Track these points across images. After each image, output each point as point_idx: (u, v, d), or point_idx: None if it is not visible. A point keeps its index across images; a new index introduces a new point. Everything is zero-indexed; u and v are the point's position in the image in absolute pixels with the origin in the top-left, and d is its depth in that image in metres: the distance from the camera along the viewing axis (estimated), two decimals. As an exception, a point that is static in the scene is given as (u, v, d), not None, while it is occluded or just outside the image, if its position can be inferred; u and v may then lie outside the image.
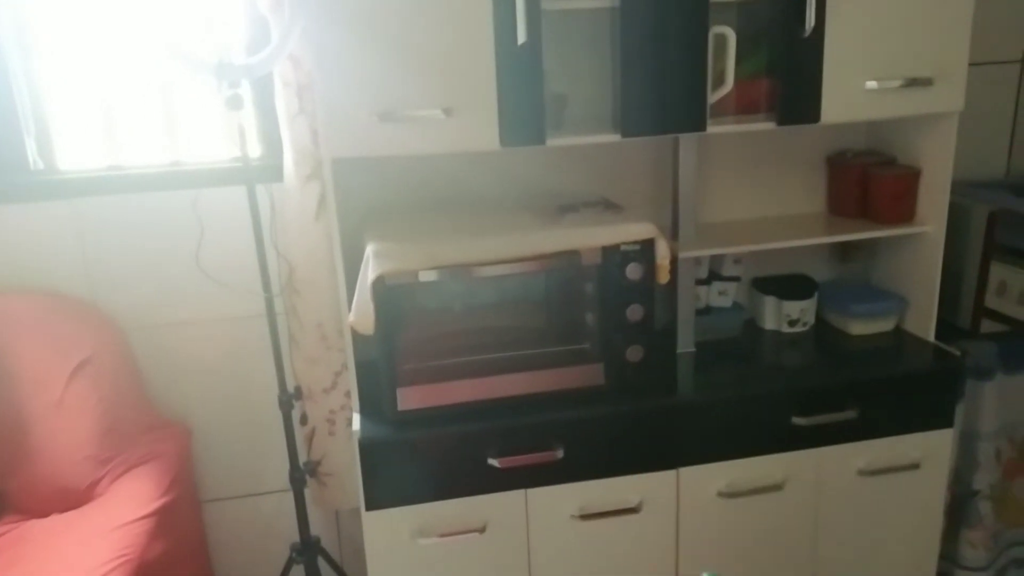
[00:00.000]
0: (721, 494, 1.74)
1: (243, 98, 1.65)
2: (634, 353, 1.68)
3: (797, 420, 1.73)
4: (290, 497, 1.96)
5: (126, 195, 1.90)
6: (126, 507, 1.70)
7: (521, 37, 1.50)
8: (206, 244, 1.90)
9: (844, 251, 2.13)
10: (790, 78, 1.66)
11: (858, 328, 1.98)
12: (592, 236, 1.61)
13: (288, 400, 1.89)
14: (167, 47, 1.56)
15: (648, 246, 1.63)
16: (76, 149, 1.93)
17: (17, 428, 1.73)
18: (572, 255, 1.61)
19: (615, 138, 1.64)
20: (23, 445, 1.73)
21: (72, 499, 1.75)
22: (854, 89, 1.68)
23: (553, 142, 1.61)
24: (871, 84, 1.68)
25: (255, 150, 1.98)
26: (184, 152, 1.97)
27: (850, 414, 1.74)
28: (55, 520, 1.71)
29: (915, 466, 1.81)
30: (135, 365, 1.98)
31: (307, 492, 1.99)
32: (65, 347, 1.80)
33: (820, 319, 2.06)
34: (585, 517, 1.69)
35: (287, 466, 1.93)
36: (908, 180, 1.90)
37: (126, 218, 1.91)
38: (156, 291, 1.96)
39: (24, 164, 1.88)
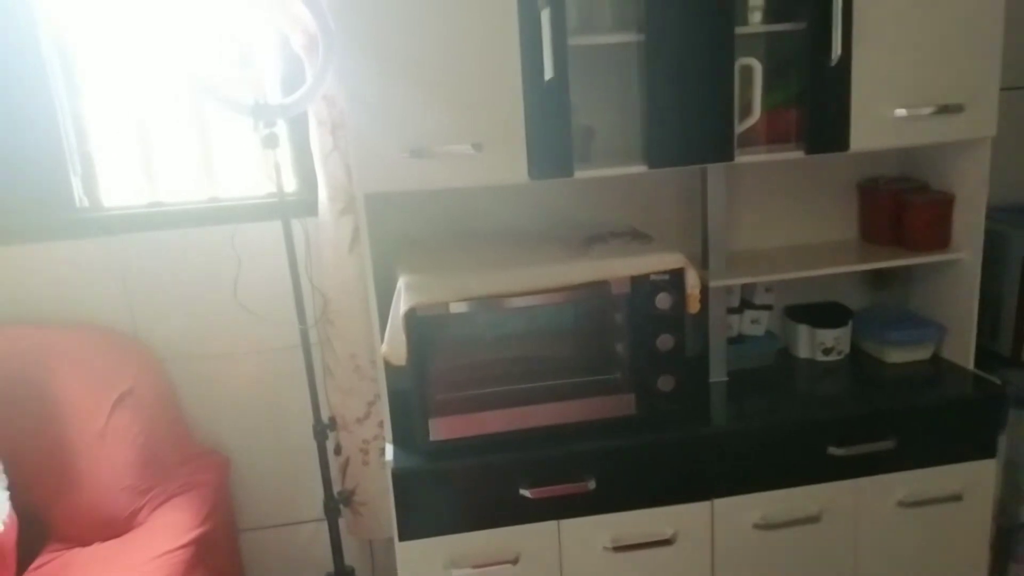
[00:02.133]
0: (756, 526, 1.72)
1: (279, 136, 1.70)
2: (665, 383, 1.68)
3: (833, 450, 1.70)
4: (325, 527, 1.98)
5: (166, 231, 1.96)
6: (165, 536, 1.73)
7: (548, 73, 1.53)
8: (243, 278, 1.95)
9: (878, 278, 2.10)
10: (818, 107, 1.66)
11: (894, 356, 1.95)
12: (621, 266, 1.62)
13: (323, 430, 1.91)
14: (206, 88, 1.61)
15: (678, 276, 1.63)
16: (119, 186, 2.00)
17: (61, 458, 1.77)
18: (602, 286, 1.62)
19: (643, 169, 1.65)
20: (66, 475, 1.77)
21: (113, 528, 1.78)
22: (883, 117, 1.67)
23: (581, 174, 1.63)
24: (900, 112, 1.67)
25: (290, 186, 2.03)
26: (222, 188, 2.03)
27: (888, 444, 1.71)
28: (97, 549, 1.74)
29: (957, 497, 1.77)
30: (174, 396, 2.03)
31: (341, 522, 2.00)
32: (107, 379, 1.85)
33: (855, 347, 2.03)
34: (619, 549, 1.68)
35: (322, 495, 1.95)
36: (942, 206, 1.88)
37: (166, 253, 1.97)
38: (195, 323, 2.01)
39: (70, 202, 1.95)
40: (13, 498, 1.64)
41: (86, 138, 1.97)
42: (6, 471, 1.69)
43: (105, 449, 1.80)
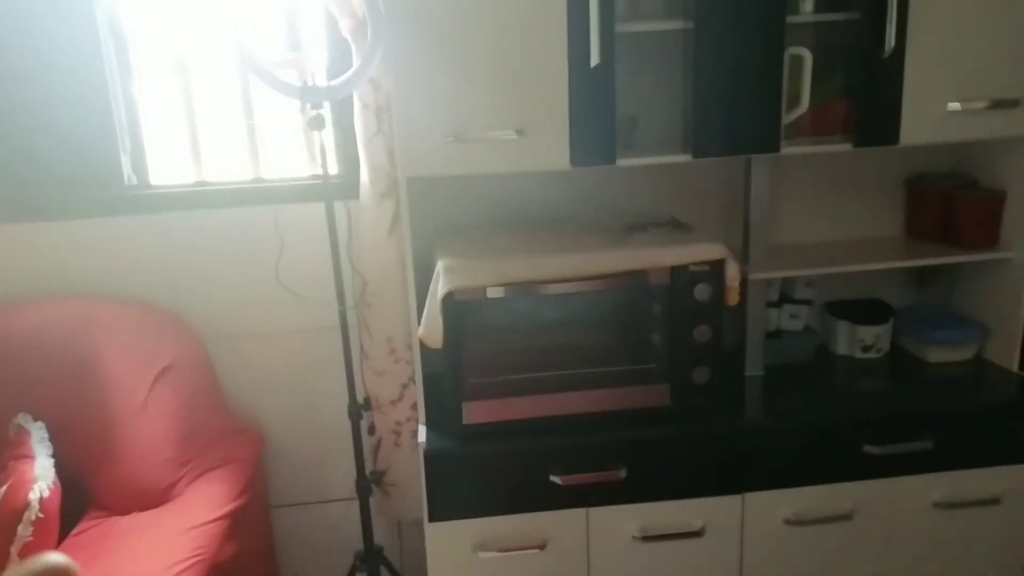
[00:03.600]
0: (788, 522, 1.70)
1: (325, 119, 1.71)
2: (701, 375, 1.67)
3: (869, 448, 1.68)
4: (355, 505, 2.00)
5: (211, 210, 2.00)
6: (201, 508, 1.76)
7: (594, 59, 1.52)
8: (285, 258, 1.97)
9: (922, 276, 2.07)
10: (868, 99, 1.64)
11: (936, 356, 1.92)
12: (661, 256, 1.61)
13: (357, 411, 1.93)
14: (256, 69, 1.63)
15: (718, 267, 1.62)
16: (166, 166, 2.04)
17: (103, 429, 1.82)
18: (640, 275, 1.61)
19: (686, 158, 1.64)
20: (108, 445, 1.81)
21: (151, 499, 1.82)
22: (936, 111, 1.64)
23: (623, 162, 1.62)
24: (954, 106, 1.64)
25: (334, 168, 2.05)
26: (266, 170, 2.06)
27: (926, 444, 1.68)
28: (135, 518, 1.78)
29: (996, 501, 1.73)
30: (213, 373, 2.06)
31: (372, 501, 2.03)
32: (150, 354, 1.89)
33: (896, 346, 2.00)
34: (647, 539, 1.68)
35: (354, 475, 1.97)
36: (992, 204, 1.84)
37: (210, 232, 2.01)
38: (236, 303, 2.05)
39: (119, 179, 1.99)
40: (56, 466, 1.68)
41: (136, 117, 2.01)
42: (51, 439, 1.73)
43: (145, 421, 1.84)
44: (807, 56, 1.60)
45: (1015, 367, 1.84)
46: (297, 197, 1.99)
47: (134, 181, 2.02)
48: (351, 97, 1.83)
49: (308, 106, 1.68)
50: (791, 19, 1.59)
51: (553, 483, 1.63)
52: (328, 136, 2.00)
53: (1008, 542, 1.79)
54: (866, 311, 1.98)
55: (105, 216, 1.97)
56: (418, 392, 1.72)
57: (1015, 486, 1.75)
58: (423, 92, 1.54)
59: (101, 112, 1.93)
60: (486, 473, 1.64)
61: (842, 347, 2.00)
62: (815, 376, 1.93)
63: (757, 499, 1.69)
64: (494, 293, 1.58)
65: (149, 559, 1.60)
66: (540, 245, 1.70)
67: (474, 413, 1.65)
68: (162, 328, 1.96)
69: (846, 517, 1.71)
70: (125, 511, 1.81)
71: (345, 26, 1.74)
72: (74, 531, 1.75)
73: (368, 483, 1.99)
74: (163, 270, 2.01)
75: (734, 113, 1.60)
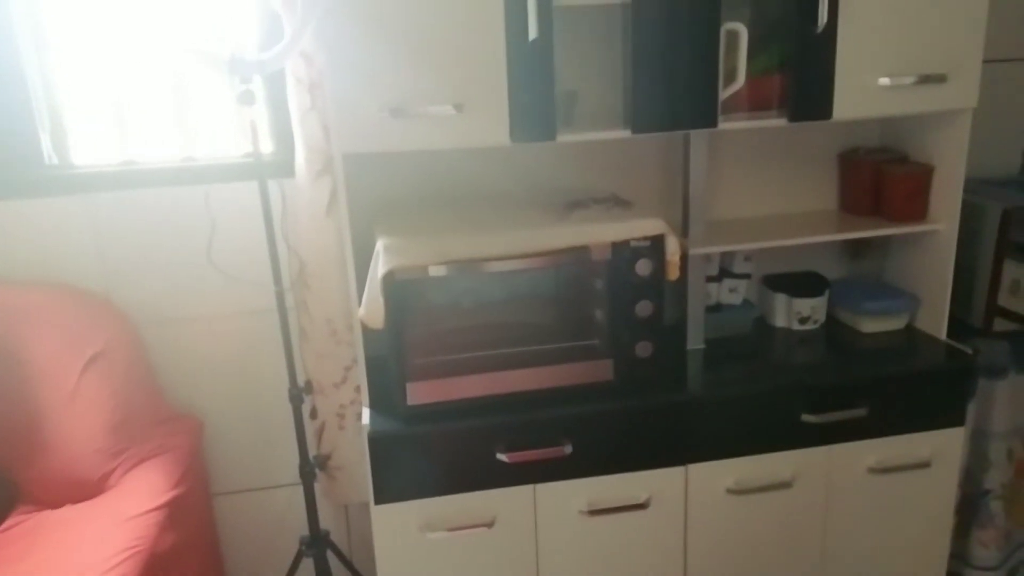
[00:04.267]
0: (730, 491, 1.74)
1: (255, 94, 1.66)
2: (643, 349, 1.68)
3: (807, 417, 1.72)
4: (300, 491, 1.97)
5: (139, 190, 1.92)
6: (138, 499, 1.71)
7: (532, 33, 1.50)
8: (218, 239, 1.91)
9: (856, 249, 2.12)
10: (802, 74, 1.66)
11: (869, 326, 1.97)
12: (602, 232, 1.61)
13: (298, 394, 1.90)
14: (180, 43, 1.57)
15: (658, 242, 1.63)
16: (90, 144, 1.95)
17: (31, 420, 1.75)
18: (582, 251, 1.61)
19: (626, 134, 1.64)
20: (37, 437, 1.75)
21: (85, 490, 1.76)
22: (867, 85, 1.67)
23: (564, 138, 1.61)
24: (884, 80, 1.67)
25: (267, 146, 1.99)
26: (196, 148, 1.98)
27: (860, 412, 1.73)
28: (68, 511, 1.73)
29: (926, 465, 1.80)
30: (147, 359, 2.00)
31: (317, 486, 2.00)
32: (78, 340, 1.82)
33: (831, 317, 2.05)
34: (593, 513, 1.69)
35: (297, 460, 1.94)
36: (921, 178, 1.89)
37: (139, 213, 1.93)
38: (168, 285, 1.98)
39: (39, 159, 1.90)
40: (-19, 459, 1.62)
41: (55, 94, 1.91)
42: (-26, 432, 1.66)
43: (76, 411, 1.78)
44: (743, 31, 1.60)
45: (943, 335, 1.91)
46: (229, 176, 1.93)
47: (55, 161, 1.93)
48: (283, 72, 1.78)
49: (237, 80, 1.62)
50: (727, -6, 1.59)
51: (499, 461, 1.63)
52: (260, 113, 1.94)
53: (937, 503, 1.86)
54: (802, 284, 2.03)
55: (25, 197, 1.88)
56: (361, 374, 1.70)
57: (943, 450, 1.81)
58: (357, 66, 1.50)
59: (15, 88, 1.84)
60: (432, 453, 1.63)
61: (780, 319, 2.04)
62: (754, 348, 1.96)
63: (700, 470, 1.72)
64: (436, 272, 1.56)
65: (83, 552, 1.55)
66: (481, 222, 1.68)
67: (418, 394, 1.63)
68: (90, 313, 1.89)
69: (786, 485, 1.76)
70: (57, 504, 1.75)
71: (276, -2, 1.68)
72: (3, 526, 1.69)
73: (312, 467, 1.96)
74: (90, 253, 1.93)
75: (672, 89, 1.60)
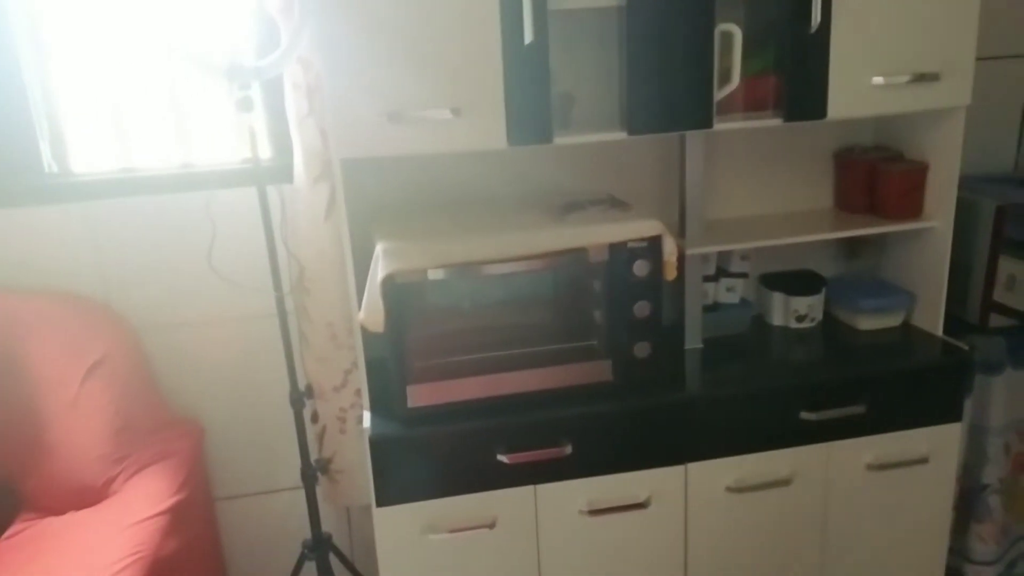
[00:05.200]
0: (729, 489, 1.75)
1: (253, 100, 1.67)
2: (642, 349, 1.69)
3: (805, 415, 1.73)
4: (302, 494, 1.98)
5: (139, 197, 1.93)
6: (140, 505, 1.72)
7: (528, 37, 1.51)
8: (218, 245, 1.92)
9: (852, 247, 2.13)
10: (796, 74, 1.67)
11: (866, 323, 1.98)
12: (599, 234, 1.62)
13: (299, 398, 1.91)
14: (178, 50, 1.58)
15: (655, 243, 1.64)
16: (89, 152, 1.96)
17: (33, 427, 1.75)
18: (579, 253, 1.62)
19: (622, 136, 1.65)
20: (39, 444, 1.75)
21: (87, 497, 1.77)
22: (861, 85, 1.68)
23: (560, 141, 1.62)
24: (878, 80, 1.68)
25: (265, 152, 2.00)
26: (196, 154, 1.99)
27: (858, 409, 1.74)
28: (71, 518, 1.73)
29: (924, 460, 1.81)
30: (148, 365, 2.00)
31: (318, 489, 2.01)
32: (79, 347, 1.83)
33: (828, 315, 2.06)
34: (594, 512, 1.70)
35: (299, 464, 1.95)
36: (916, 175, 1.90)
37: (139, 220, 1.94)
38: (169, 291, 1.99)
39: (39, 167, 1.91)
40: (-16, 467, 1.62)
41: (55, 102, 1.92)
42: (-24, 440, 1.67)
43: (78, 418, 1.78)
44: (737, 32, 1.61)
45: (939, 332, 1.92)
46: (228, 182, 1.94)
47: (55, 169, 1.94)
48: (281, 78, 1.78)
49: (235, 87, 1.63)
50: (720, -4, 1.60)
51: (500, 462, 1.63)
52: (258, 119, 1.95)
53: (936, 499, 1.87)
54: (799, 282, 2.04)
55: (24, 206, 1.88)
56: (361, 377, 1.71)
57: (941, 446, 1.82)
58: (355, 71, 1.50)
59: (15, 96, 1.85)
60: (433, 456, 1.64)
61: (777, 318, 2.05)
62: (752, 347, 1.97)
63: (699, 469, 1.73)
64: (434, 275, 1.57)
65: (86, 559, 1.56)
66: (479, 225, 1.69)
67: (419, 396, 1.64)
68: (91, 320, 1.90)
69: (785, 482, 1.77)
70: (60, 511, 1.76)
71: (272, 3, 1.69)
72: (6, 534, 1.69)
73: (313, 471, 1.96)
74: (90, 261, 1.94)
75: (667, 90, 1.61)
